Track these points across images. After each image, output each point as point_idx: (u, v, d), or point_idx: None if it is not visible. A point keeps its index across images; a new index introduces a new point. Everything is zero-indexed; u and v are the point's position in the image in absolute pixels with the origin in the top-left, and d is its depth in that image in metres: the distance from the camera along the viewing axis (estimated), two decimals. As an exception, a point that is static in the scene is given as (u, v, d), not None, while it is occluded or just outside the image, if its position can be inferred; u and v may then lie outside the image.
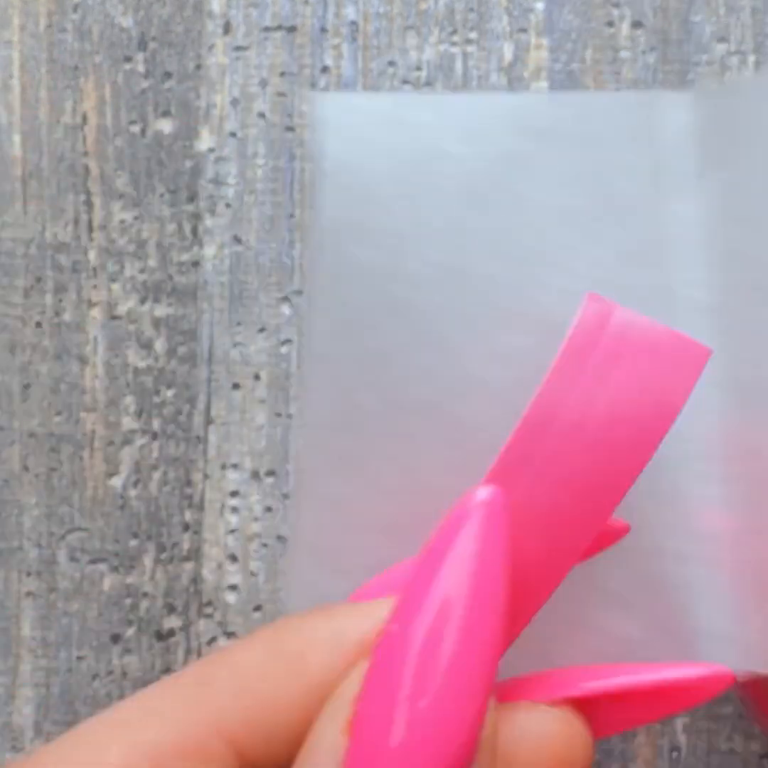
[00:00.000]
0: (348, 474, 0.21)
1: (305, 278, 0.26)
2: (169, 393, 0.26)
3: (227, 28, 0.26)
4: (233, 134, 0.26)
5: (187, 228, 0.26)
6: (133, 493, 0.26)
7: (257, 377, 0.26)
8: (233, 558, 0.26)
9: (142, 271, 0.26)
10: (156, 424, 0.26)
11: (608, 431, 0.18)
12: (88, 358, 0.27)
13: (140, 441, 0.26)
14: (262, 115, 0.26)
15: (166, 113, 0.27)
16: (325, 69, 0.26)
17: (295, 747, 0.17)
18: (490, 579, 0.17)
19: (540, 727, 0.19)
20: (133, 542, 0.26)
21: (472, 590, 0.17)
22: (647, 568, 0.21)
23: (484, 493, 0.18)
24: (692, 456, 0.21)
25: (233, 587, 0.26)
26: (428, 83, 0.26)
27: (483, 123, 0.21)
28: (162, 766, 0.17)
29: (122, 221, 0.26)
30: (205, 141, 0.26)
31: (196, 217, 0.26)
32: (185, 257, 0.26)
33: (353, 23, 0.26)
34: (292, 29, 0.26)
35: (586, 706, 0.19)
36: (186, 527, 0.26)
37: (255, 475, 0.26)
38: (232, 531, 0.26)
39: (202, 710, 0.18)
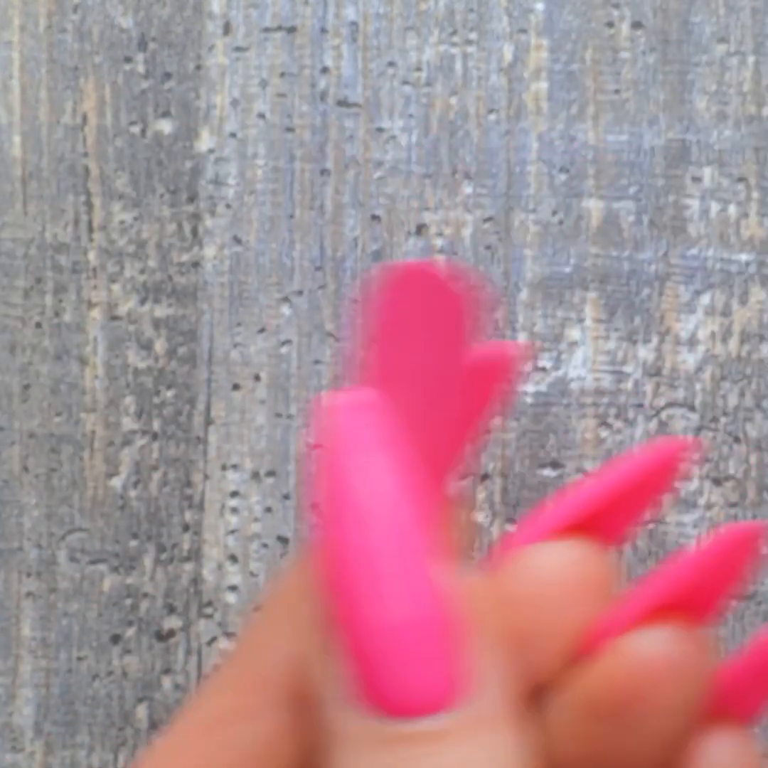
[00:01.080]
0: None
1: (305, 278, 0.26)
2: (169, 393, 0.26)
3: (227, 29, 0.26)
4: (233, 135, 0.26)
5: (187, 228, 0.26)
6: (133, 493, 0.26)
7: (257, 378, 0.26)
8: (233, 558, 0.26)
9: (142, 271, 0.26)
10: (156, 425, 0.26)
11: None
12: (88, 359, 0.27)
13: (140, 441, 0.26)
14: (262, 115, 0.26)
15: (166, 114, 0.27)
16: (325, 69, 0.26)
17: None
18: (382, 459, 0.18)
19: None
20: (133, 543, 0.26)
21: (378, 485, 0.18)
22: None
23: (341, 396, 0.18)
24: None
25: (233, 588, 0.26)
26: (428, 84, 0.26)
27: None
28: (226, 728, 0.19)
29: (122, 222, 0.26)
30: (205, 141, 0.26)
31: (196, 217, 0.26)
32: (185, 258, 0.26)
33: (353, 24, 0.26)
34: (292, 30, 0.26)
35: (592, 522, 0.20)
36: (186, 528, 0.26)
37: (255, 475, 0.26)
38: (233, 531, 0.26)
39: (243, 670, 0.19)
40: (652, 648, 0.19)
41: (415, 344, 0.18)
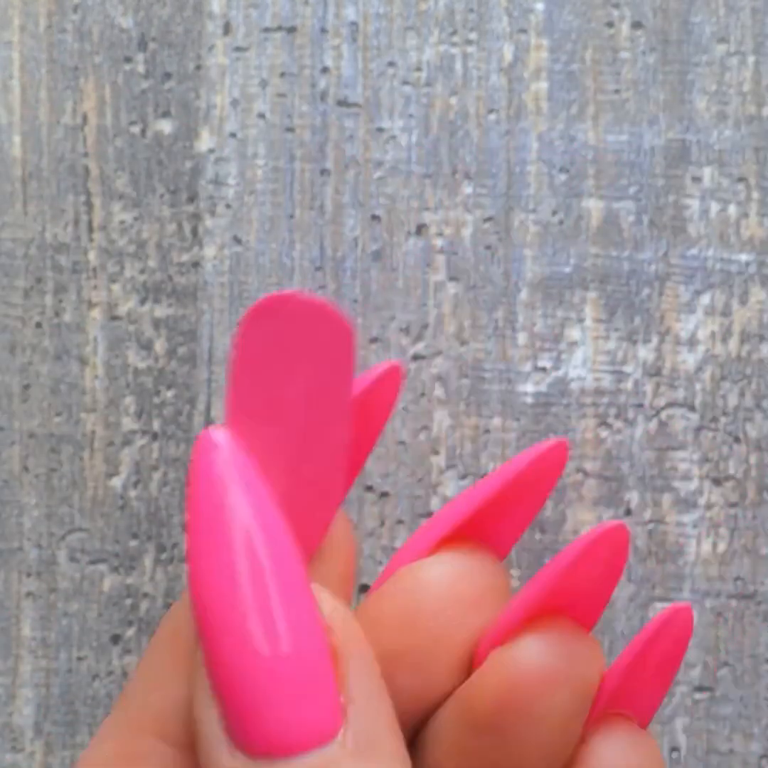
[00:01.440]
0: None
1: (305, 278, 0.26)
2: (169, 393, 0.26)
3: (227, 29, 0.26)
4: (233, 135, 0.26)
5: (187, 228, 0.26)
6: (133, 493, 0.26)
7: (257, 378, 0.26)
8: (233, 558, 0.26)
9: (142, 271, 0.26)
10: (156, 425, 0.26)
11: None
12: (88, 359, 0.27)
13: (140, 441, 0.26)
14: (262, 115, 0.26)
15: (166, 114, 0.27)
16: (325, 70, 0.26)
17: None
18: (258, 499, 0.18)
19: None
20: (133, 543, 0.26)
21: (259, 520, 0.17)
22: None
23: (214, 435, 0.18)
24: None
25: (233, 588, 0.26)
26: (428, 84, 0.26)
27: None
28: None
29: (122, 222, 0.26)
30: (205, 141, 0.26)
31: (196, 217, 0.26)
32: (185, 258, 0.26)
33: (353, 24, 0.26)
34: (292, 30, 0.26)
35: (476, 532, 0.20)
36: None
37: (255, 475, 0.26)
38: (232, 531, 0.26)
39: (123, 718, 0.19)
40: (527, 658, 0.18)
41: (297, 373, 0.18)
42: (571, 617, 0.19)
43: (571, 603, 0.19)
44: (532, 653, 0.18)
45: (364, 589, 0.26)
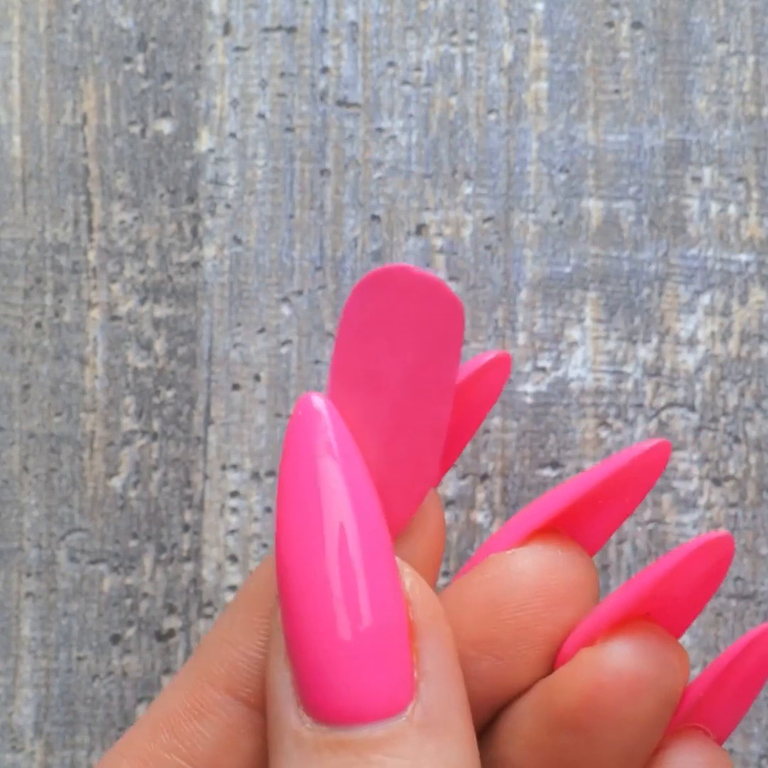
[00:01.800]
0: None
1: (305, 278, 0.26)
2: (169, 394, 0.26)
3: (227, 29, 0.26)
4: (233, 135, 0.26)
5: (187, 228, 0.26)
6: (133, 493, 0.26)
7: (257, 378, 0.26)
8: (233, 558, 0.26)
9: (142, 271, 0.26)
10: (156, 425, 0.26)
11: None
12: (88, 359, 0.27)
13: (140, 441, 0.26)
14: (262, 115, 0.26)
15: (166, 114, 0.27)
16: (325, 69, 0.26)
17: None
18: (358, 470, 0.18)
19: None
20: (133, 543, 0.26)
21: (352, 490, 0.17)
22: None
23: (316, 400, 0.18)
24: None
25: (233, 588, 0.26)
26: (428, 84, 0.26)
27: None
28: (176, 726, 0.19)
29: (122, 222, 0.26)
30: (204, 142, 0.26)
31: (196, 217, 0.26)
32: (185, 258, 0.26)
33: (353, 24, 0.26)
34: (292, 30, 0.26)
35: (569, 526, 0.20)
36: (186, 528, 0.26)
37: (255, 475, 0.26)
38: (232, 531, 0.26)
39: (196, 669, 0.19)
40: (616, 662, 0.18)
41: (402, 348, 0.18)
42: (662, 623, 0.19)
43: (664, 609, 0.19)
44: (622, 657, 0.18)
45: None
